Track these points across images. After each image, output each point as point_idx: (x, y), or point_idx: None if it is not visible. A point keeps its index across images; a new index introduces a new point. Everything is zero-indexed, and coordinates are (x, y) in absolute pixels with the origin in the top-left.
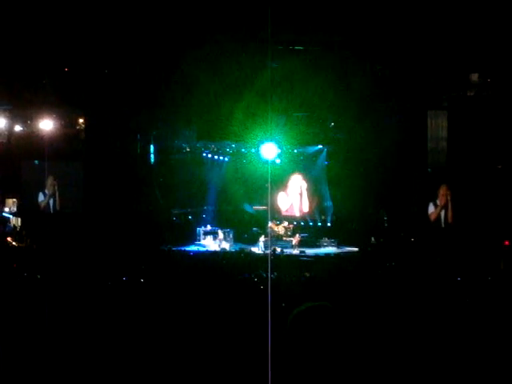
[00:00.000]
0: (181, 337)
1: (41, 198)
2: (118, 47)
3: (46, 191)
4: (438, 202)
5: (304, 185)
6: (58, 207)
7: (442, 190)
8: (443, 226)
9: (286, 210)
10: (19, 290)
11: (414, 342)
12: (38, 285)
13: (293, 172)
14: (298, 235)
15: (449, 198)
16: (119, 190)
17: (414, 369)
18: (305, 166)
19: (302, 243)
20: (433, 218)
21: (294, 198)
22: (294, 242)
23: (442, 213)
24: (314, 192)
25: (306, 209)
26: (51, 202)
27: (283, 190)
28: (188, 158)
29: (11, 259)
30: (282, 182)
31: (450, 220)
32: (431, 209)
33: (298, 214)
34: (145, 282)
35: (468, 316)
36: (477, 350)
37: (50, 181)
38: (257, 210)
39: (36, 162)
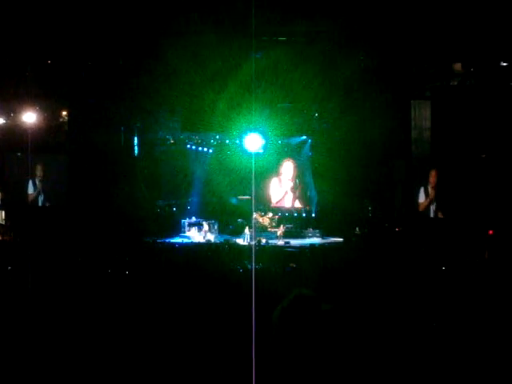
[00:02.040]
0: (166, 328)
1: (30, 189)
2: (100, 39)
3: (37, 182)
4: (430, 191)
5: (296, 172)
6: (42, 199)
7: (433, 178)
8: (432, 215)
9: (277, 202)
10: (3, 283)
11: (400, 331)
12: (23, 278)
13: (285, 158)
14: (282, 226)
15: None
16: (103, 182)
17: (402, 358)
18: (289, 156)
19: (287, 234)
20: (423, 207)
21: (288, 186)
22: (278, 233)
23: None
24: (299, 182)
25: (295, 198)
26: (40, 195)
27: (276, 177)
28: (172, 150)
29: None
30: (271, 170)
31: (436, 209)
32: (421, 198)
33: (288, 205)
34: (130, 274)
35: (453, 305)
36: (462, 338)
37: (39, 172)
38: (241, 200)
39: (19, 154)
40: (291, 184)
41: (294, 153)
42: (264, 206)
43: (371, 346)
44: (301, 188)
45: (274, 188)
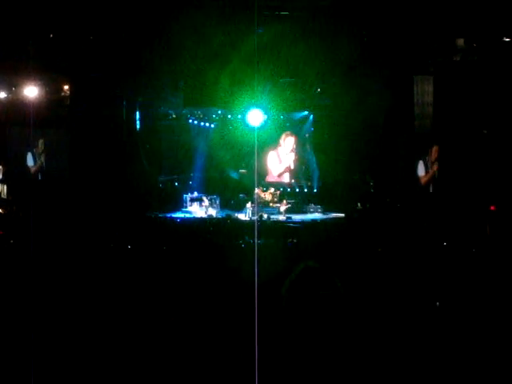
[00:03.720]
0: (168, 302)
1: (30, 161)
2: (102, 13)
3: (37, 156)
4: (430, 166)
5: (294, 144)
6: (44, 174)
7: (435, 153)
8: (431, 190)
9: (279, 175)
10: (5, 256)
11: (401, 307)
12: (24, 251)
13: (284, 131)
14: (285, 201)
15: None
16: (105, 157)
17: (402, 335)
18: (291, 131)
19: (289, 209)
20: (424, 181)
21: (288, 159)
22: (281, 209)
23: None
24: (301, 158)
25: (295, 173)
26: (41, 169)
27: (273, 150)
28: (174, 125)
29: None
30: (271, 144)
31: (435, 184)
32: (421, 171)
33: (287, 181)
34: (132, 248)
35: (454, 281)
36: (463, 316)
37: (41, 146)
38: (242, 174)
39: (21, 128)
40: (292, 158)
41: (296, 128)
42: (263, 179)
43: (374, 320)
44: (301, 163)
45: (273, 162)
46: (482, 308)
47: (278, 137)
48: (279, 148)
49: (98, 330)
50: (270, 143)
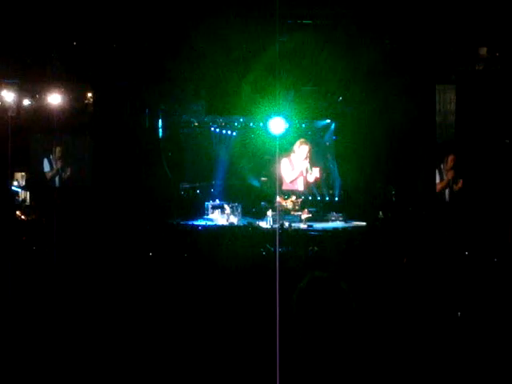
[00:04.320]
0: (189, 309)
1: (46, 167)
2: (125, 22)
3: (53, 162)
4: (445, 174)
5: (309, 153)
6: (66, 180)
7: (450, 161)
8: (448, 199)
9: (291, 181)
10: (29, 263)
11: (421, 317)
12: (48, 258)
13: (298, 138)
14: (306, 210)
15: (456, 170)
16: (128, 165)
17: (421, 345)
18: (313, 140)
19: (310, 218)
20: (438, 188)
21: (300, 166)
22: (303, 217)
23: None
24: (322, 166)
25: (311, 179)
26: (58, 174)
27: (287, 157)
28: (196, 133)
29: (20, 233)
30: (287, 150)
31: (455, 193)
32: (436, 178)
33: (301, 188)
34: (153, 255)
35: (476, 291)
36: (485, 325)
37: (57, 152)
38: (263, 182)
39: (44, 135)
40: (306, 165)
41: (317, 136)
42: (280, 186)
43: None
44: (325, 174)
45: (285, 169)
46: (505, 319)
47: (298, 138)
48: (292, 155)
49: (119, 337)
50: (288, 151)
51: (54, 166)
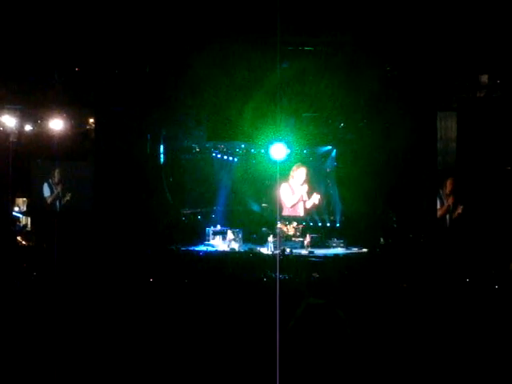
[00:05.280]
0: (189, 336)
1: (46, 192)
2: (127, 47)
3: (53, 187)
4: (445, 199)
5: (307, 177)
6: (66, 206)
7: (449, 185)
8: (449, 225)
9: (292, 206)
10: (29, 289)
11: (421, 341)
12: (48, 284)
13: (296, 163)
14: (308, 235)
15: (456, 195)
16: (129, 190)
17: (420, 368)
18: (314, 166)
19: (312, 244)
20: (439, 214)
21: (300, 190)
22: (305, 243)
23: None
24: (323, 192)
25: (308, 205)
26: (59, 198)
27: (285, 182)
28: (198, 158)
29: (21, 259)
30: (286, 175)
31: (456, 219)
32: (437, 204)
33: (302, 213)
34: (154, 281)
35: (476, 317)
36: (484, 350)
37: (57, 177)
38: (264, 208)
39: (46, 161)
40: (305, 189)
41: (318, 162)
42: (280, 212)
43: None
44: (326, 200)
45: (285, 194)
46: (506, 346)
47: (296, 163)
48: (291, 180)
49: (118, 362)
50: (287, 176)
51: (54, 191)
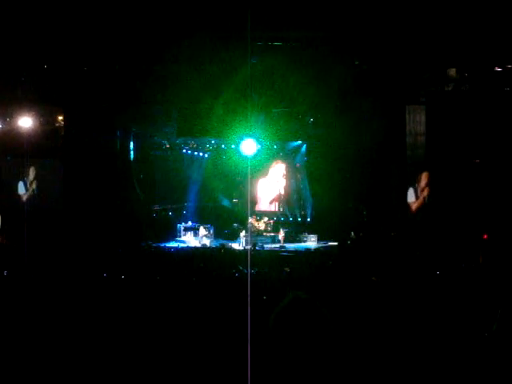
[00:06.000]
0: (161, 332)
1: (21, 189)
2: (96, 44)
3: (28, 184)
4: (419, 192)
5: (285, 173)
6: (37, 203)
7: (424, 178)
8: (419, 218)
9: (270, 202)
10: None
11: (394, 334)
12: (18, 282)
13: (275, 159)
14: (282, 230)
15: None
16: (99, 187)
17: (396, 362)
18: (284, 161)
19: (284, 238)
20: (414, 207)
21: (278, 186)
22: (280, 237)
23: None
24: (294, 187)
25: (284, 200)
26: (34, 195)
27: (263, 178)
28: (168, 155)
29: None
30: (261, 171)
31: (426, 213)
32: (411, 197)
33: (277, 209)
34: (125, 278)
35: (446, 309)
36: (455, 342)
37: (32, 174)
38: (235, 203)
39: (15, 158)
40: (283, 184)
41: (289, 157)
42: (253, 209)
43: (366, 348)
44: (294, 192)
45: (263, 190)
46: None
47: (274, 158)
48: (268, 176)
49: (90, 360)
50: (262, 172)
51: (29, 188)
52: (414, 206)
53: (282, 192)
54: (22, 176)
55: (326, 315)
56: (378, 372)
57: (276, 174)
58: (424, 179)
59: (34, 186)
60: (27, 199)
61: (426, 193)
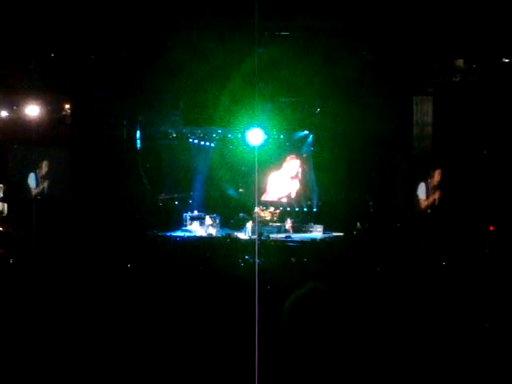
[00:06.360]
0: (167, 321)
1: (32, 182)
2: (103, 32)
3: (40, 180)
4: (431, 190)
5: (301, 169)
6: (44, 192)
7: (437, 177)
8: (429, 211)
9: (279, 199)
10: (5, 276)
11: (401, 325)
12: (24, 271)
13: (289, 153)
14: (289, 220)
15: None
16: (106, 176)
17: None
18: (291, 151)
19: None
20: (424, 206)
21: (290, 186)
22: (287, 227)
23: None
24: (301, 178)
25: (293, 194)
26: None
27: (276, 171)
28: (174, 144)
29: None
30: (272, 164)
31: (433, 203)
32: (421, 194)
33: (285, 202)
34: (132, 267)
35: (451, 299)
36: (461, 334)
37: (44, 169)
38: (241, 193)
39: (22, 147)
40: (296, 186)
41: (295, 147)
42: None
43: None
44: (301, 182)
45: (273, 184)
46: (480, 328)
47: (278, 156)
48: (282, 171)
49: (97, 348)
50: (269, 163)
51: (40, 183)
52: (423, 204)
53: (295, 191)
54: (34, 167)
55: (340, 309)
56: (384, 363)
57: (290, 171)
58: (437, 177)
59: (45, 184)
60: (36, 194)
61: (437, 195)
